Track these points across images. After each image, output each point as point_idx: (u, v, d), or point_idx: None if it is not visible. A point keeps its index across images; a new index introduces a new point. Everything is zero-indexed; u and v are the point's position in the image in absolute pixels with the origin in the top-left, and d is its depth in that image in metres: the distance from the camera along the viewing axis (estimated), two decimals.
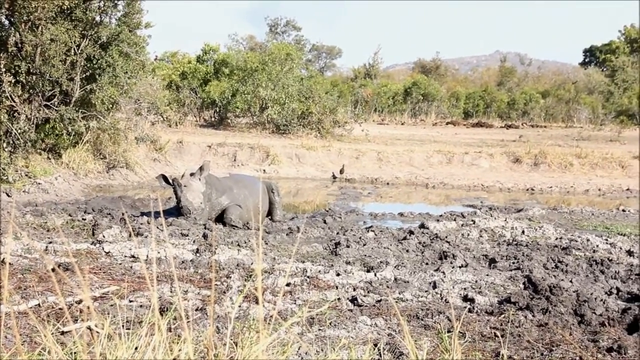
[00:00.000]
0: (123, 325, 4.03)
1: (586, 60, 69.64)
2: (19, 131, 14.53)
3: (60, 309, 5.15)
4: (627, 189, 19.89)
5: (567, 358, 4.69)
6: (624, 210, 14.51)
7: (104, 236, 8.48)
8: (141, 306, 5.44)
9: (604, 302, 6.16)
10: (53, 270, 5.98)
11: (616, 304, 6.24)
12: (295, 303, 5.92)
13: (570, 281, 7.17)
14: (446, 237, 9.89)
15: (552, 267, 8.02)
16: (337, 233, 10.14)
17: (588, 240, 10.03)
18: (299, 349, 4.48)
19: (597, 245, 9.70)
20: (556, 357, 4.70)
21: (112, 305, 5.24)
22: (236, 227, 10.40)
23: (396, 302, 6.16)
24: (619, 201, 17.67)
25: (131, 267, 7.04)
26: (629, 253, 9.23)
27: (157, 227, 8.96)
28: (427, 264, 8.03)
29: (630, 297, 6.67)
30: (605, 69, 61.40)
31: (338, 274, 7.09)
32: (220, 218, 10.65)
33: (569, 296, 6.26)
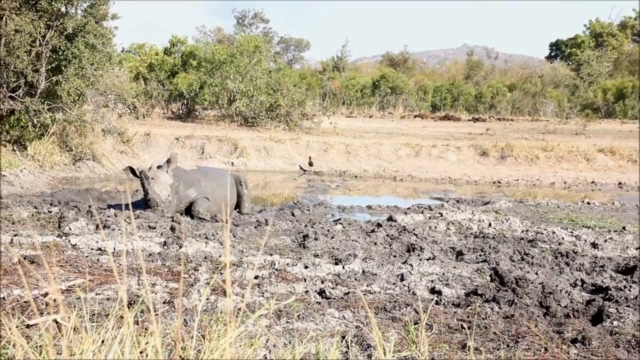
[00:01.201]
0: (90, 319, 4.00)
1: (552, 54, 70.12)
2: None
3: (25, 302, 5.10)
4: (592, 182, 20.17)
5: (533, 349, 4.75)
6: (588, 203, 14.70)
7: (70, 229, 8.41)
8: (108, 299, 5.41)
9: (568, 294, 6.24)
10: (19, 262, 5.92)
11: (581, 296, 6.32)
12: (263, 296, 5.92)
13: (536, 273, 7.24)
14: (414, 229, 9.93)
15: (518, 260, 8.10)
16: (306, 226, 10.15)
17: (553, 232, 10.14)
18: (266, 341, 4.48)
19: (563, 238, 9.81)
20: (522, 348, 4.75)
21: (78, 298, 5.20)
22: (204, 219, 10.37)
23: (364, 294, 6.18)
24: (584, 194, 17.90)
25: (98, 259, 6.98)
26: (594, 245, 9.35)
27: (125, 220, 8.90)
28: (395, 256, 8.07)
29: (595, 289, 6.77)
30: (570, 63, 61.95)
31: (306, 267, 7.09)
32: (188, 211, 10.62)
33: (535, 288, 6.33)
